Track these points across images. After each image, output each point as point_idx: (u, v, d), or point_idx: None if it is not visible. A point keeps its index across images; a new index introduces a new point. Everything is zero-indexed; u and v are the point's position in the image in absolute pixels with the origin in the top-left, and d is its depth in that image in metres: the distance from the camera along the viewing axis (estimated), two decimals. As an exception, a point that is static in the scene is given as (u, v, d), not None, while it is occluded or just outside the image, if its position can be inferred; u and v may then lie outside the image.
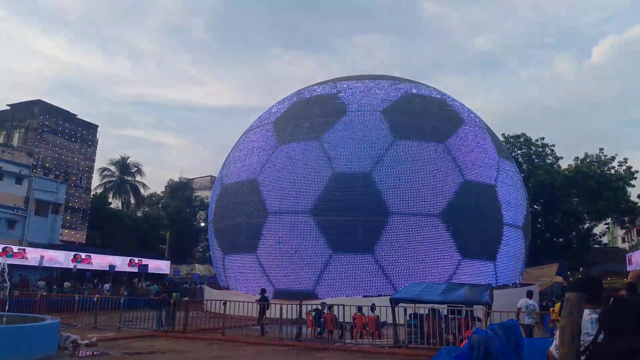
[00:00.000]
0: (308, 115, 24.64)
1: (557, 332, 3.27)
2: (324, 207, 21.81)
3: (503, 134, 40.51)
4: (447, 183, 22.31)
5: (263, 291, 18.56)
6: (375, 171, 21.90)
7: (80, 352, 11.88)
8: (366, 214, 21.46)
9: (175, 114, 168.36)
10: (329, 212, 21.72)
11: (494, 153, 25.36)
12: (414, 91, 26.39)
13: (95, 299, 18.81)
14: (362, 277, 21.46)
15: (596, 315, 3.62)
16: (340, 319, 15.11)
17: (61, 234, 37.40)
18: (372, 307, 15.57)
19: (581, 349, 2.87)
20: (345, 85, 26.36)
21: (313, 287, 21.73)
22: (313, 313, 15.98)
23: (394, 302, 13.65)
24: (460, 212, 22.19)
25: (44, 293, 22.61)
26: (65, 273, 32.95)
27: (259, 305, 17.13)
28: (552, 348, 3.72)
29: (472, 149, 24.09)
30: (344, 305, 15.06)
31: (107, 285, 31.68)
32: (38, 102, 41.60)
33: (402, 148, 22.47)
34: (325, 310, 15.87)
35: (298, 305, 15.28)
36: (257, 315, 17.23)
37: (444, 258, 21.93)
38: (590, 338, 2.99)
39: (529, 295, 14.62)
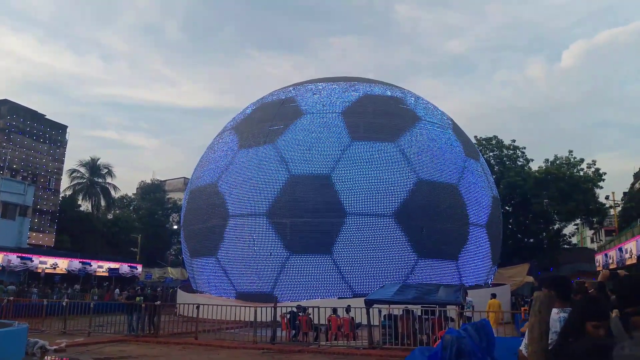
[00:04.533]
0: (376, 115, 23.53)
1: (527, 330, 3.32)
2: (406, 211, 21.30)
3: (475, 136, 41.29)
4: (487, 197, 24.98)
5: (129, 297, 18.54)
6: (462, 183, 23.23)
7: (49, 358, 11.57)
8: (450, 223, 22.21)
9: (148, 115, 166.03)
10: (412, 217, 21.35)
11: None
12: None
13: (64, 304, 18.36)
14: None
15: (564, 314, 3.69)
16: (315, 321, 15.10)
17: (29, 237, 36.45)
18: (347, 309, 15.61)
19: (549, 347, 2.91)
20: (411, 94, 26.81)
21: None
22: (288, 316, 15.92)
23: (369, 304, 13.72)
24: (494, 224, 24.78)
25: (11, 298, 21.98)
26: (32, 277, 32.11)
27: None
28: (522, 347, 3.78)
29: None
30: (319, 307, 15.05)
31: (118, 291, 30.85)
32: (5, 102, 40.39)
33: (474, 167, 24.78)
34: (301, 313, 15.83)
35: (272, 308, 15.21)
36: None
37: (486, 265, 24.40)
38: (559, 336, 3.04)
39: (465, 292, 17.30)
